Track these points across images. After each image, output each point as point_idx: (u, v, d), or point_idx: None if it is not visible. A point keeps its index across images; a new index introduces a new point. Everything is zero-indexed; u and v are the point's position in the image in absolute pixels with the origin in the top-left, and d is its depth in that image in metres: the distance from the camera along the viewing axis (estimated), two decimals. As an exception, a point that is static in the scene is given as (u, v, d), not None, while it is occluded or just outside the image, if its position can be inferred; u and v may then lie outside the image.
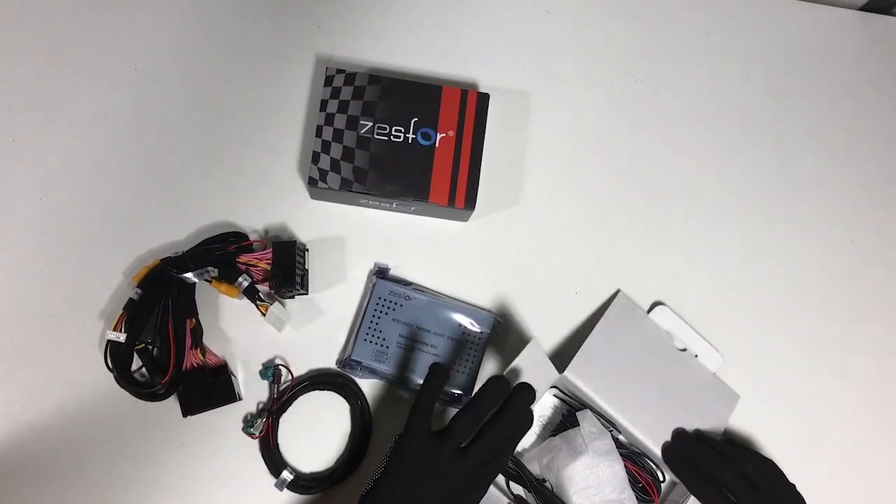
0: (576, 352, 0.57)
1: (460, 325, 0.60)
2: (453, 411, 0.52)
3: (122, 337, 0.55)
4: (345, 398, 0.59)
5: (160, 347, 0.57)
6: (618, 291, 0.64)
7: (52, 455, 0.56)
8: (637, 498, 0.55)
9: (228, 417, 0.58)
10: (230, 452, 0.57)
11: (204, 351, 0.57)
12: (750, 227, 0.68)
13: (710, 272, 0.66)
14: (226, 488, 0.57)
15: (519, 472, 0.55)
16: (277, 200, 0.63)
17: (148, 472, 0.57)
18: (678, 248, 0.67)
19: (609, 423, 0.58)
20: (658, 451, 0.57)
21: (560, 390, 0.60)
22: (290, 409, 0.58)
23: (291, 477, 0.56)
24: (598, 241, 0.66)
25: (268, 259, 0.58)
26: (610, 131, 0.69)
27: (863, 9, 0.77)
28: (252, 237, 0.61)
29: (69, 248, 0.61)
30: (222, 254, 0.58)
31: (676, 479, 0.58)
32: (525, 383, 0.51)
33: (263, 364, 0.59)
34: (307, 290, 0.61)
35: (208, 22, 0.68)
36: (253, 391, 0.59)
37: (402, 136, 0.61)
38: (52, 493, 0.56)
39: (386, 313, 0.60)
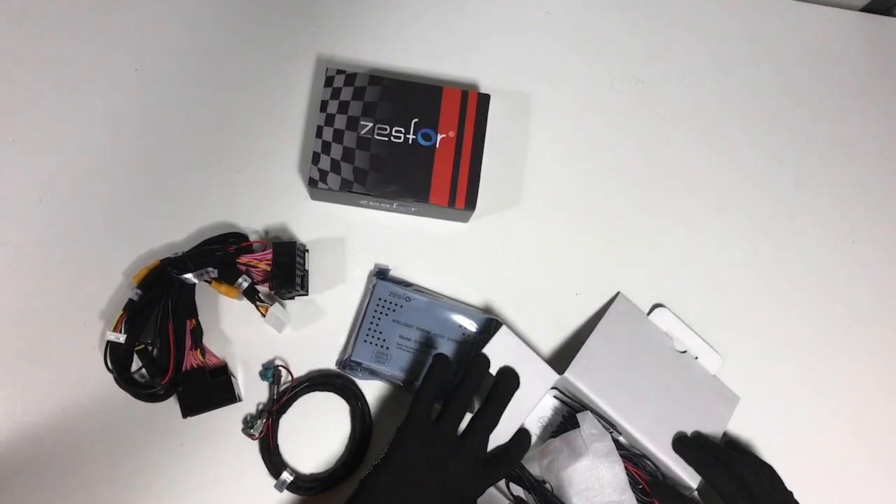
0: (576, 353, 0.57)
1: (460, 326, 0.60)
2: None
3: (121, 338, 0.55)
4: (345, 399, 0.59)
5: (160, 348, 0.57)
6: (617, 294, 0.64)
7: (52, 455, 0.56)
8: (637, 499, 0.55)
9: (228, 418, 0.58)
10: (230, 453, 0.57)
11: (204, 352, 0.57)
12: (750, 228, 0.68)
13: (710, 274, 0.66)
14: (225, 489, 0.57)
15: (519, 474, 0.55)
16: (277, 201, 0.63)
17: (147, 473, 0.57)
18: (679, 250, 0.67)
19: (609, 425, 0.58)
20: (658, 453, 0.57)
21: (560, 391, 0.60)
22: (290, 410, 0.58)
23: (291, 478, 0.56)
24: (598, 242, 0.66)
25: (268, 260, 0.58)
26: (610, 132, 0.69)
27: (864, 10, 0.77)
28: (252, 238, 0.61)
29: (69, 248, 0.61)
30: (222, 254, 0.58)
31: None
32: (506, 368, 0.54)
33: (263, 365, 0.59)
34: (307, 291, 0.61)
35: (209, 22, 0.68)
36: (253, 392, 0.59)
37: (403, 137, 0.61)
38: (52, 494, 0.56)
39: (386, 314, 0.60)
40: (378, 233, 0.63)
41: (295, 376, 0.59)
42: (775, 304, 0.67)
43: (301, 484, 0.57)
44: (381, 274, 0.61)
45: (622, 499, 0.54)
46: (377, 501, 0.49)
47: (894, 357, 0.67)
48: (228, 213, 0.62)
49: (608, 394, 0.57)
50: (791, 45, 0.74)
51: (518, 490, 0.56)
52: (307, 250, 0.62)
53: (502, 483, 0.56)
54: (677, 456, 0.57)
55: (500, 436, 0.53)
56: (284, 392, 0.58)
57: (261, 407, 0.59)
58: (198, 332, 0.57)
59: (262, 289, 0.59)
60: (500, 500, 0.55)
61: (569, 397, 0.60)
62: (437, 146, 0.61)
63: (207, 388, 0.56)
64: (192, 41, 0.67)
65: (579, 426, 0.56)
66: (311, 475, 0.58)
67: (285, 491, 0.56)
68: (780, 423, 0.64)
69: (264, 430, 0.57)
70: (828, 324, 0.67)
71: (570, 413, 0.59)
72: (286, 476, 0.56)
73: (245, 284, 0.57)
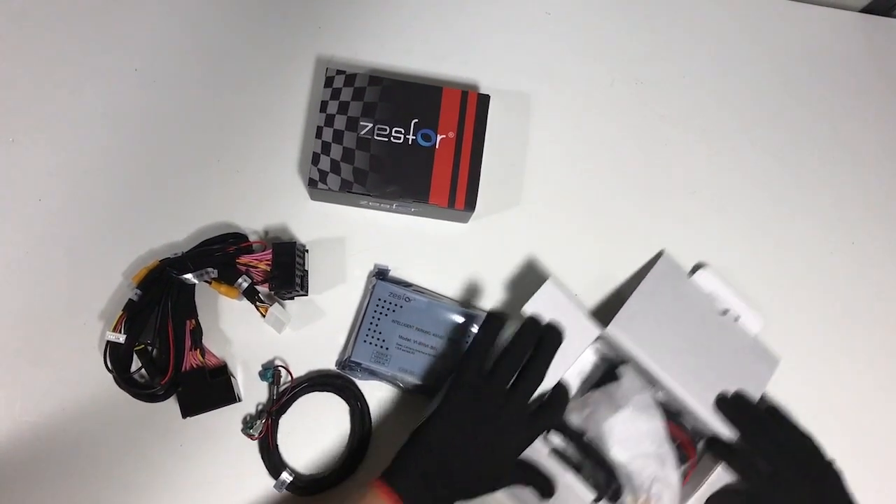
0: (618, 310, 0.58)
1: (460, 326, 0.60)
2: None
3: (121, 338, 0.55)
4: (344, 399, 0.59)
5: (160, 348, 0.57)
6: (661, 252, 0.64)
7: (51, 456, 0.56)
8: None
9: (228, 418, 0.58)
10: (229, 453, 0.57)
11: (203, 352, 0.57)
12: (750, 228, 0.68)
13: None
14: (225, 489, 0.57)
15: (559, 425, 0.56)
16: (277, 201, 0.63)
17: (147, 473, 0.57)
18: (679, 250, 0.66)
19: (649, 380, 0.58)
20: (698, 409, 0.57)
21: (601, 346, 0.60)
22: (289, 411, 0.58)
23: (291, 478, 0.56)
24: (598, 243, 0.66)
25: (267, 260, 0.58)
26: (610, 132, 0.69)
27: (864, 10, 0.77)
28: (252, 238, 0.61)
29: (69, 248, 0.61)
30: (222, 255, 0.58)
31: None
32: (552, 327, 0.55)
33: (263, 365, 0.59)
34: (307, 292, 0.61)
35: (209, 23, 0.68)
36: (252, 392, 0.59)
37: (403, 138, 0.61)
38: (52, 494, 0.56)
39: (386, 315, 0.60)
40: (378, 233, 0.63)
41: (294, 376, 0.59)
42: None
43: (300, 484, 0.57)
44: (380, 274, 0.61)
45: (660, 451, 0.54)
46: (430, 451, 0.51)
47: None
48: (228, 214, 0.62)
49: (650, 349, 0.57)
50: (791, 45, 0.74)
51: (557, 441, 0.57)
52: (307, 251, 0.62)
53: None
54: (716, 413, 0.57)
55: (541, 387, 0.54)
56: (284, 392, 0.58)
57: (260, 407, 0.59)
58: (197, 333, 0.57)
59: (262, 289, 0.59)
60: (540, 450, 0.56)
61: (610, 352, 0.60)
62: (437, 146, 0.61)
63: (207, 389, 0.56)
64: (192, 41, 0.67)
65: (619, 380, 0.56)
66: (311, 475, 0.58)
67: (285, 491, 0.56)
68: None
69: (264, 430, 0.57)
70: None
71: (609, 368, 0.60)
72: (286, 476, 0.56)
73: (245, 285, 0.57)
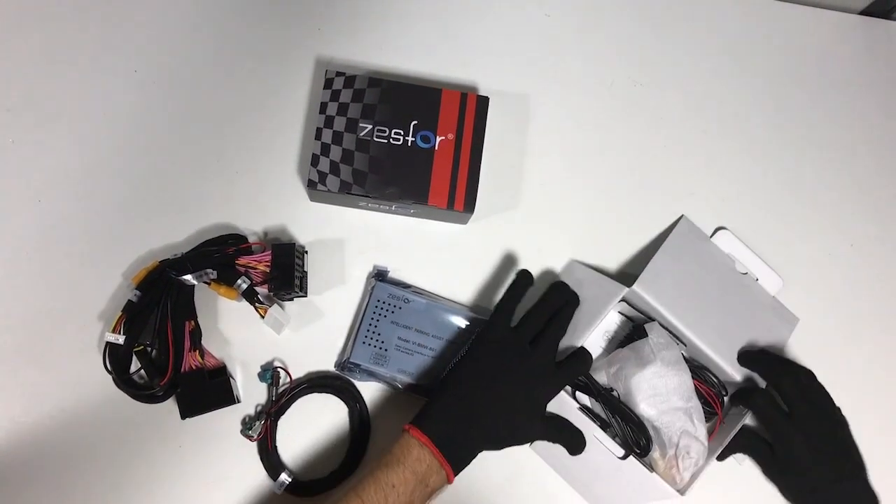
0: (641, 271, 0.59)
1: (459, 327, 0.60)
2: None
3: (120, 339, 0.55)
4: (343, 401, 0.59)
5: (159, 349, 0.57)
6: (681, 217, 0.66)
7: (51, 456, 0.56)
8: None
9: (227, 420, 0.58)
10: (228, 455, 0.57)
11: (202, 353, 0.57)
12: (751, 229, 0.68)
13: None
14: (224, 490, 0.57)
15: (587, 382, 0.56)
16: (277, 202, 0.63)
17: (146, 474, 0.57)
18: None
19: (675, 337, 0.59)
20: (722, 364, 0.58)
21: (626, 305, 0.61)
22: (288, 412, 0.58)
23: (290, 479, 0.56)
24: (598, 245, 0.66)
25: (267, 261, 0.58)
26: (609, 134, 0.69)
27: (863, 13, 0.77)
28: (251, 239, 0.61)
29: (68, 249, 0.61)
30: (221, 256, 0.58)
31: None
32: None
33: (262, 366, 0.59)
34: (306, 293, 0.61)
35: (208, 24, 0.68)
36: (251, 393, 0.59)
37: (402, 139, 0.61)
38: (51, 495, 0.56)
39: (385, 316, 0.60)
40: (377, 234, 0.63)
41: (293, 378, 0.59)
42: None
43: (299, 485, 0.57)
44: (379, 275, 0.61)
45: (688, 405, 0.55)
46: (458, 394, 0.53)
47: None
48: (228, 215, 0.62)
49: (675, 307, 0.58)
50: (790, 48, 0.74)
51: (585, 399, 0.57)
52: (306, 252, 0.62)
53: (570, 390, 0.57)
54: (740, 368, 0.59)
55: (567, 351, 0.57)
56: (283, 393, 0.58)
57: (259, 408, 0.59)
58: (197, 334, 0.57)
59: (261, 290, 0.59)
60: (570, 403, 0.56)
61: (636, 310, 0.61)
62: (437, 148, 0.61)
63: (206, 390, 0.56)
64: (192, 43, 0.67)
65: (646, 336, 0.57)
66: (310, 476, 0.58)
67: (284, 492, 0.56)
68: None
69: (263, 431, 0.57)
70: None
71: (635, 328, 0.61)
72: (284, 477, 0.56)
73: (244, 286, 0.57)
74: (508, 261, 0.64)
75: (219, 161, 0.64)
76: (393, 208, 0.62)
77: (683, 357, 0.57)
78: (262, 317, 0.58)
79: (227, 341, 0.60)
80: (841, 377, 0.59)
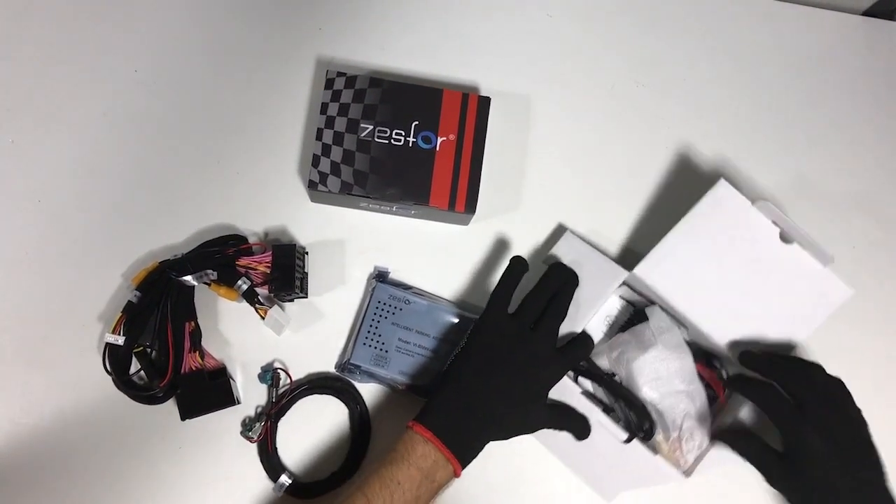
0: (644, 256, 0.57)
1: (460, 329, 0.60)
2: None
3: (120, 340, 0.55)
4: (343, 402, 0.59)
5: (159, 350, 0.57)
6: (720, 179, 0.60)
7: (50, 458, 0.56)
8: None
9: (227, 421, 0.58)
10: (228, 456, 0.57)
11: (202, 354, 0.57)
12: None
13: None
14: (224, 492, 0.57)
15: (588, 367, 0.56)
16: (277, 203, 0.63)
17: (146, 476, 0.57)
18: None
19: (676, 320, 0.58)
20: (724, 347, 0.57)
21: (627, 289, 0.60)
22: (288, 413, 0.58)
23: (290, 481, 0.56)
24: (599, 245, 0.66)
25: (267, 262, 0.58)
26: (611, 135, 0.69)
27: (866, 14, 0.77)
28: (251, 240, 0.61)
29: (68, 250, 0.61)
30: (221, 257, 0.58)
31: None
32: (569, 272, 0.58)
33: (262, 367, 0.59)
34: (306, 294, 0.61)
35: (209, 24, 0.67)
36: (251, 395, 0.59)
37: (403, 140, 0.61)
38: (51, 496, 0.56)
39: (385, 317, 0.59)
40: (378, 235, 0.63)
41: (294, 379, 0.59)
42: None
43: (299, 487, 0.57)
44: (380, 277, 0.61)
45: (690, 388, 0.55)
46: (459, 386, 0.53)
47: None
48: (228, 215, 0.62)
49: (679, 290, 0.57)
50: (792, 49, 0.74)
51: (587, 384, 0.57)
52: (307, 253, 0.62)
53: (572, 375, 0.57)
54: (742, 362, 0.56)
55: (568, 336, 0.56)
56: (283, 395, 0.58)
57: (259, 409, 0.59)
58: (197, 335, 0.57)
59: (262, 291, 0.58)
60: (572, 388, 0.56)
61: (637, 294, 0.60)
62: (438, 149, 0.61)
63: (206, 391, 0.56)
64: (192, 43, 0.67)
65: (647, 320, 0.57)
66: (310, 478, 0.58)
67: (284, 494, 0.56)
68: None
69: (263, 432, 0.56)
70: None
71: (636, 313, 0.60)
72: (284, 479, 0.56)
73: (244, 287, 0.57)
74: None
75: (219, 161, 0.64)
76: (394, 209, 0.62)
77: (685, 340, 0.57)
78: (263, 318, 0.57)
79: (228, 342, 0.60)
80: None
